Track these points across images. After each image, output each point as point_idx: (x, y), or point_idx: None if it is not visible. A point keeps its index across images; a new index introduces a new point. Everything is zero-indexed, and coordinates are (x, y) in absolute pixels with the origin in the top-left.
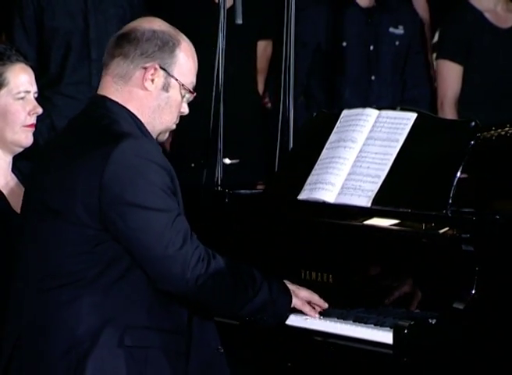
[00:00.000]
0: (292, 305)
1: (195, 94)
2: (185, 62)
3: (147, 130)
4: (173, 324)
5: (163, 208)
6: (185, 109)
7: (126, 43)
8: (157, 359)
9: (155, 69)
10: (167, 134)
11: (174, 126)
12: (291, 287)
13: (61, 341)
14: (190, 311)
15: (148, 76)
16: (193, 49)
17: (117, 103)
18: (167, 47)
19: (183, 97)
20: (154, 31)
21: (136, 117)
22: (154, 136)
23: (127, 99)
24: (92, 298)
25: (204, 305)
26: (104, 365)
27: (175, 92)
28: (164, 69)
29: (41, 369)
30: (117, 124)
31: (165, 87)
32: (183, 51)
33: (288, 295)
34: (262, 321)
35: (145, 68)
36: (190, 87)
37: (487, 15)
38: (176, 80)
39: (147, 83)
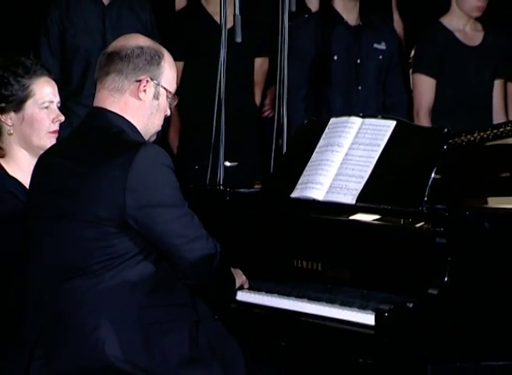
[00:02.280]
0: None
1: (178, 97)
2: (169, 72)
3: (141, 135)
4: (180, 299)
5: (180, 203)
6: (168, 112)
7: (118, 60)
8: (171, 331)
9: (147, 81)
10: (155, 136)
11: (160, 128)
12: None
13: (84, 324)
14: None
15: (142, 87)
16: (172, 59)
17: (115, 113)
18: (154, 60)
19: (168, 102)
20: (141, 48)
21: (132, 125)
22: (147, 138)
23: (124, 109)
24: (109, 284)
25: (213, 287)
26: (125, 341)
27: (163, 99)
28: (154, 80)
29: (67, 353)
30: (125, 133)
31: (156, 96)
32: (167, 62)
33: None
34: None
35: (138, 81)
36: (174, 92)
37: (457, 34)
38: (164, 88)
39: (141, 94)
